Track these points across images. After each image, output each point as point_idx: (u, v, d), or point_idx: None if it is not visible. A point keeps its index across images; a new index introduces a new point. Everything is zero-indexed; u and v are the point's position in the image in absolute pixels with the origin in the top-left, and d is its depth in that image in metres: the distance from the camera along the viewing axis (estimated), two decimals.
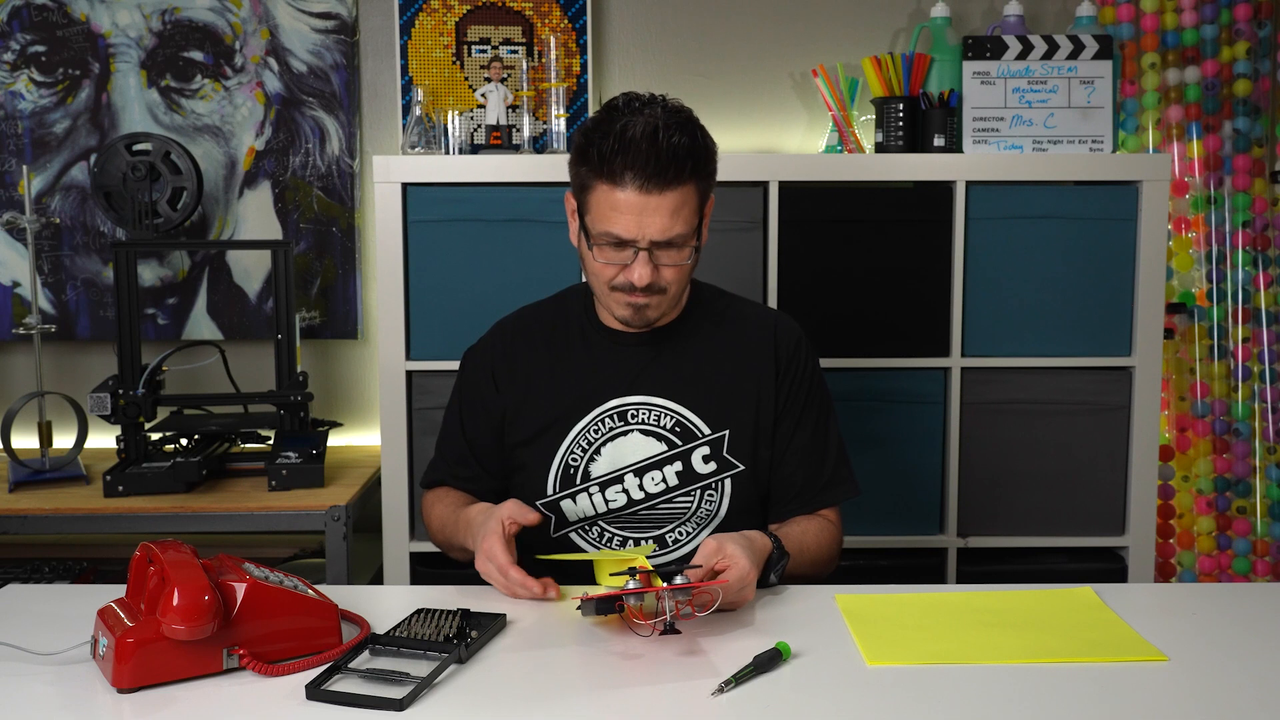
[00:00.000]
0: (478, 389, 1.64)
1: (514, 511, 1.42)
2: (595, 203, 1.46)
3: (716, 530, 1.56)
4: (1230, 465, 2.64)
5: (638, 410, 1.56)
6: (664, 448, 1.55)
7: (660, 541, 1.57)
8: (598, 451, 1.56)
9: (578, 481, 1.56)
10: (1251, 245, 2.62)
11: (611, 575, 1.27)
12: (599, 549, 1.58)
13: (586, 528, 1.58)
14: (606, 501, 1.56)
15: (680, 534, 1.57)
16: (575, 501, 1.57)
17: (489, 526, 1.41)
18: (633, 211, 1.43)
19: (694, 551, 1.56)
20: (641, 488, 1.55)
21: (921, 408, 2.31)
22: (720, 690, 1.12)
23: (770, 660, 1.18)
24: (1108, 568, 2.34)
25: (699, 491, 1.55)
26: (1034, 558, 2.35)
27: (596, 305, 1.61)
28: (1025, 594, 1.43)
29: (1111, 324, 2.31)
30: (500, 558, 1.39)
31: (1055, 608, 1.37)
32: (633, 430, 1.56)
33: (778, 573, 1.42)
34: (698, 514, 1.56)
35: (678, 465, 1.55)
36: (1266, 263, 2.63)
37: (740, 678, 1.14)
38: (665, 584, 1.23)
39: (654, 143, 1.40)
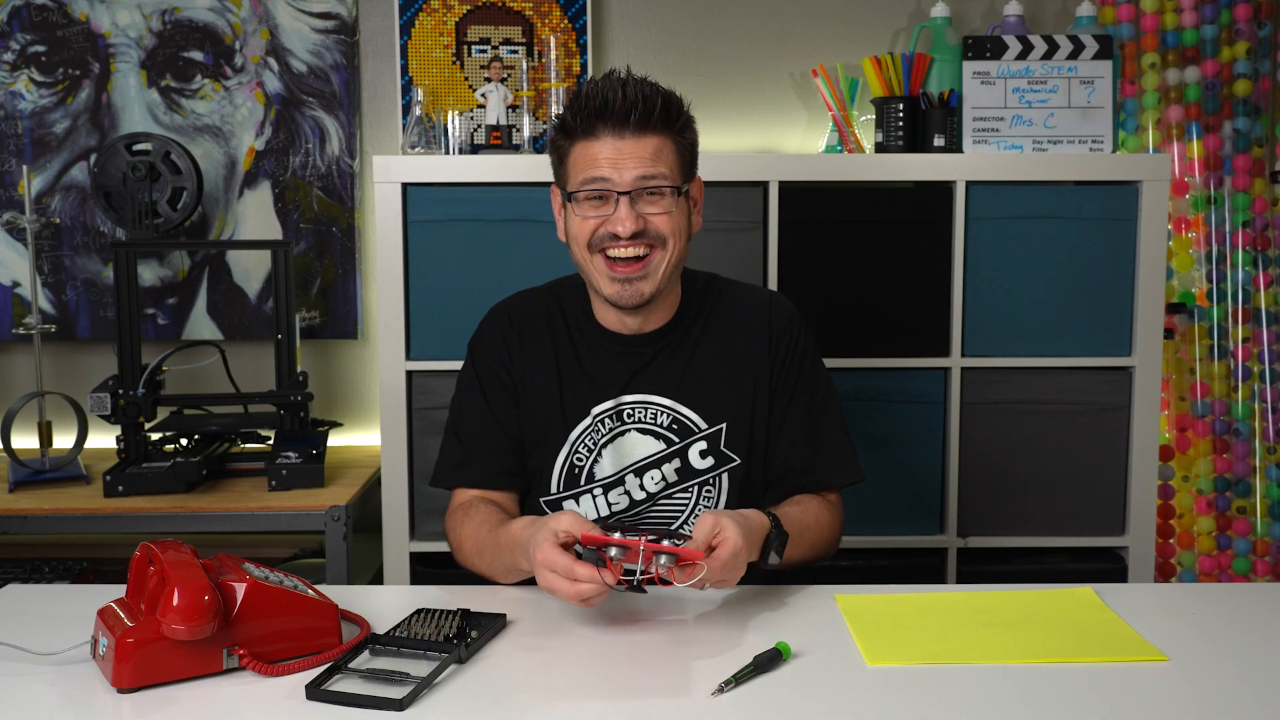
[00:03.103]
0: (497, 373, 1.59)
1: (571, 524, 1.27)
2: (574, 163, 1.50)
3: None
4: (1230, 465, 2.64)
5: (634, 409, 1.56)
6: (662, 446, 1.55)
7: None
8: (600, 453, 1.55)
9: (582, 482, 1.56)
10: (1251, 245, 2.62)
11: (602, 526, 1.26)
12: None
13: None
14: (609, 504, 1.55)
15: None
16: (579, 503, 1.56)
17: (540, 536, 1.28)
18: (609, 156, 1.46)
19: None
20: (642, 487, 1.55)
21: (921, 408, 2.31)
22: (720, 690, 1.12)
23: (770, 660, 1.18)
24: (1108, 568, 2.34)
25: (696, 488, 1.55)
26: (1034, 558, 2.35)
27: (593, 304, 1.60)
28: (1025, 594, 1.43)
29: (1111, 324, 2.31)
30: (561, 562, 1.24)
31: (1055, 608, 1.37)
32: (630, 429, 1.55)
33: (777, 550, 1.38)
34: (697, 511, 1.56)
35: (676, 462, 1.55)
36: (1266, 263, 2.63)
37: (740, 678, 1.14)
38: (647, 541, 1.21)
39: (623, 94, 1.45)
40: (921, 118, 2.38)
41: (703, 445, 1.55)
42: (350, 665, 1.18)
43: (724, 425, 1.55)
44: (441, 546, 2.28)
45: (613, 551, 1.23)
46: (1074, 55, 2.34)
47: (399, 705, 1.09)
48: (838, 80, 2.48)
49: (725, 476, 1.56)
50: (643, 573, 1.22)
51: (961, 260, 2.28)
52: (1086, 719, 1.08)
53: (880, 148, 2.40)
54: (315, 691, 1.12)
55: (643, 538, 1.23)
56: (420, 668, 1.16)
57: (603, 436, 1.55)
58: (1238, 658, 1.23)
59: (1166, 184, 2.27)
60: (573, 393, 1.57)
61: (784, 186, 2.26)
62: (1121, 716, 1.09)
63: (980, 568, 2.32)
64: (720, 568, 1.26)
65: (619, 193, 1.46)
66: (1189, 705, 1.12)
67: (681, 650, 1.24)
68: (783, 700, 1.11)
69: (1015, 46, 2.34)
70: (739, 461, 1.56)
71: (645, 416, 1.55)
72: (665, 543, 1.23)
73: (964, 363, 2.30)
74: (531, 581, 1.62)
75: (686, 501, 1.56)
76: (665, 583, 1.24)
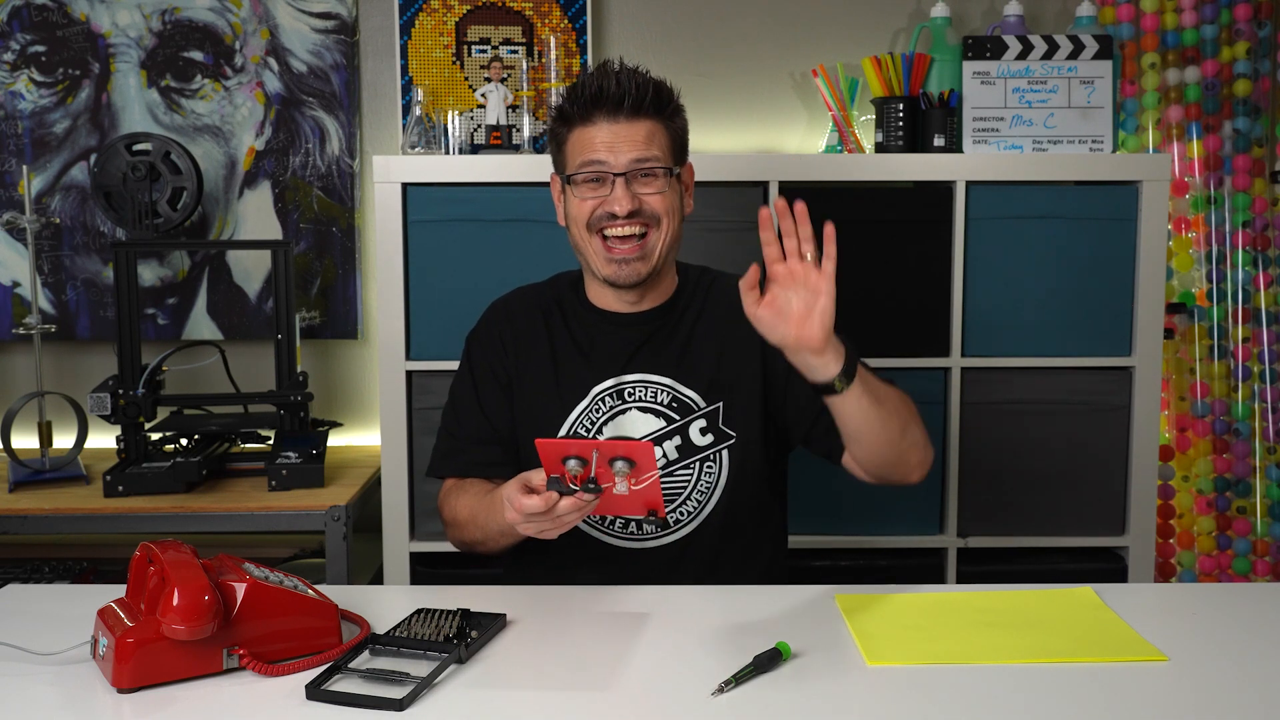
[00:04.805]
0: (491, 368, 1.65)
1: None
2: (571, 147, 1.57)
3: (718, 505, 1.58)
4: (1230, 465, 2.64)
5: (634, 388, 1.59)
6: (662, 424, 1.58)
7: (661, 521, 1.58)
8: (599, 432, 1.59)
9: None
10: (1251, 245, 2.62)
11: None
12: (600, 527, 1.59)
13: None
14: None
15: (681, 513, 1.58)
16: None
17: (512, 481, 1.36)
18: (605, 139, 1.53)
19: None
20: None
21: (921, 408, 2.28)
22: (720, 690, 1.12)
23: (770, 660, 1.18)
24: (1108, 568, 2.34)
25: (698, 464, 1.58)
26: (1034, 558, 2.35)
27: (587, 287, 1.65)
28: (1025, 594, 1.43)
29: (1111, 324, 2.30)
30: (511, 494, 1.32)
31: (1055, 608, 1.37)
32: (631, 408, 1.59)
33: (848, 367, 1.44)
34: (698, 487, 1.58)
35: (676, 440, 1.58)
36: (1266, 263, 2.63)
37: (740, 678, 1.15)
38: (601, 442, 1.26)
39: (617, 82, 1.53)
40: (921, 118, 2.38)
41: (702, 423, 1.58)
42: (350, 665, 1.18)
43: (721, 404, 1.58)
44: (441, 546, 2.28)
45: (571, 464, 1.26)
46: (1074, 55, 2.34)
47: (399, 705, 1.09)
48: (838, 80, 2.48)
49: (725, 453, 1.58)
50: (595, 481, 1.27)
51: (961, 260, 2.27)
52: (1086, 719, 1.08)
53: (880, 148, 2.40)
54: (315, 691, 1.12)
55: (595, 443, 1.27)
56: (420, 668, 1.16)
57: (602, 415, 1.59)
58: (1238, 658, 1.23)
59: (1166, 184, 2.27)
60: (569, 374, 1.61)
61: (784, 186, 2.26)
62: (1121, 716, 1.09)
63: (980, 568, 2.32)
64: (801, 283, 1.36)
65: (615, 174, 1.52)
66: (1189, 705, 1.12)
67: (681, 650, 1.24)
68: (783, 700, 1.12)
69: (1015, 46, 2.34)
70: (735, 437, 1.58)
71: (646, 395, 1.59)
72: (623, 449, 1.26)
73: (964, 363, 2.30)
74: (529, 579, 1.63)
75: (688, 478, 1.58)
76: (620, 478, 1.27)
